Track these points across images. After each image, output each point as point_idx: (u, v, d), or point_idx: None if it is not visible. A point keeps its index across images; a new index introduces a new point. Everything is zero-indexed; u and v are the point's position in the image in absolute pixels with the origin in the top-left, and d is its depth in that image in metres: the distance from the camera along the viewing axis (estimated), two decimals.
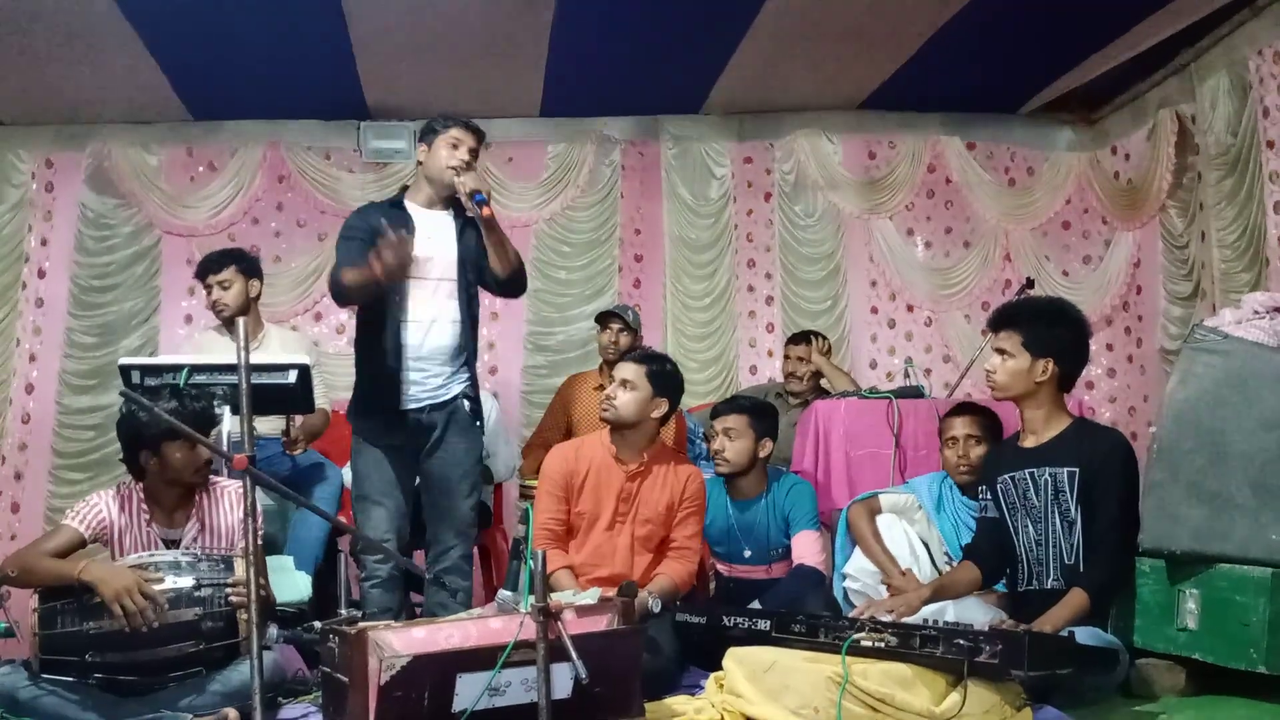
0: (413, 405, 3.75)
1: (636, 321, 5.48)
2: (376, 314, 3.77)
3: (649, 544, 3.83)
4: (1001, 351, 3.49)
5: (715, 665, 3.24)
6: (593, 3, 5.06)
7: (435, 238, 3.81)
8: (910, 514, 4.13)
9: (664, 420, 3.88)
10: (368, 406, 3.80)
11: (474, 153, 3.85)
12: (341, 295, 3.79)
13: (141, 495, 3.35)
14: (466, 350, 3.81)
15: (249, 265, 4.79)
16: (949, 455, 4.10)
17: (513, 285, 3.87)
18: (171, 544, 3.32)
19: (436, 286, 3.78)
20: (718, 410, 4.42)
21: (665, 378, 3.84)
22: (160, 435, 3.23)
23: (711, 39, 5.53)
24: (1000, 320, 3.56)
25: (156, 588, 3.04)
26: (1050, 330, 3.48)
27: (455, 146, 3.80)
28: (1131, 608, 3.37)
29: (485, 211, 3.66)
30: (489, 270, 3.80)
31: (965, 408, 4.21)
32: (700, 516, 3.92)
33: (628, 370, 3.82)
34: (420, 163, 3.92)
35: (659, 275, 6.58)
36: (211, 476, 3.49)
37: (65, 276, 6.21)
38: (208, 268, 4.74)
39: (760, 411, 4.37)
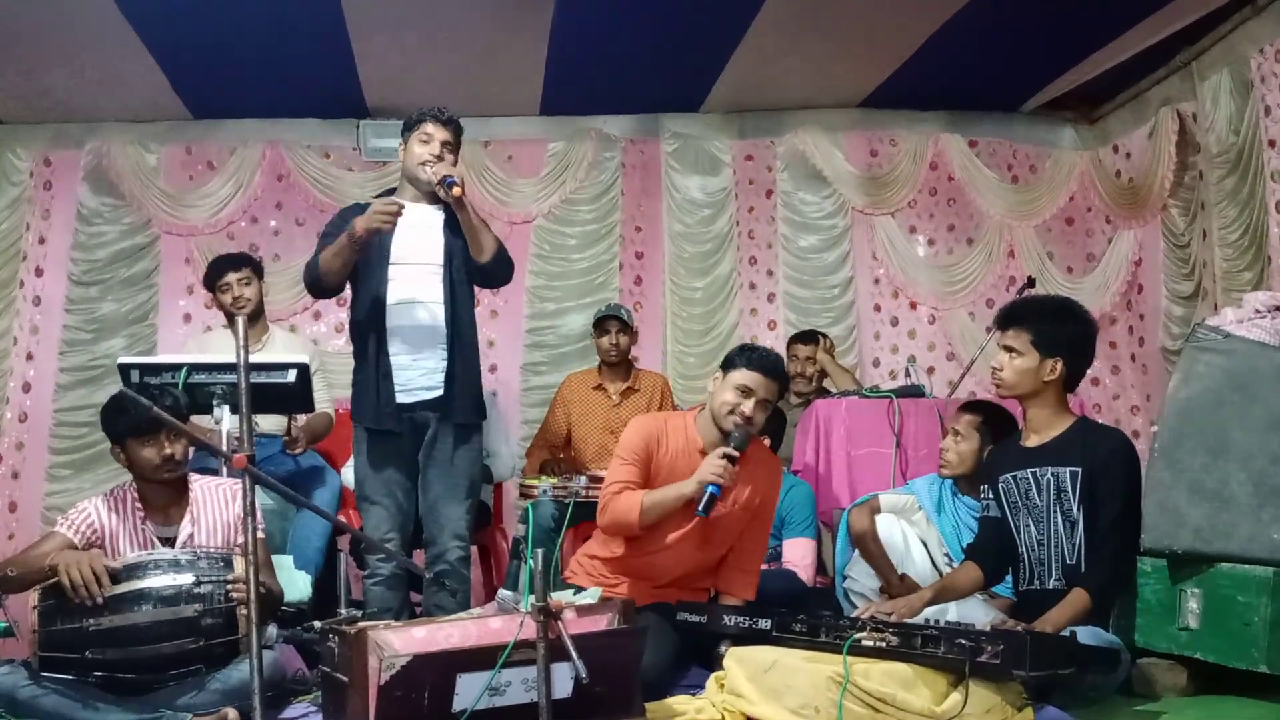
0: (405, 398, 3.74)
1: (631, 319, 5.48)
2: (363, 302, 3.80)
3: (708, 544, 3.65)
4: (1009, 349, 3.47)
5: (715, 664, 3.24)
6: (593, 0, 5.05)
7: (420, 228, 3.81)
8: (910, 514, 4.13)
9: None
10: (362, 395, 3.80)
11: (448, 145, 3.82)
12: (317, 282, 3.79)
13: (136, 496, 3.37)
14: (454, 335, 3.77)
15: (260, 267, 4.86)
16: (941, 447, 4.11)
17: (494, 273, 3.85)
18: (167, 541, 3.33)
19: (419, 270, 3.78)
20: None
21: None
22: (123, 433, 3.29)
23: (712, 37, 5.52)
24: (1008, 318, 3.54)
25: (154, 583, 3.05)
26: (1059, 329, 3.46)
27: (426, 141, 3.79)
28: (1133, 607, 3.36)
29: (456, 191, 3.64)
30: (471, 259, 3.79)
31: (971, 405, 4.17)
32: (771, 518, 3.82)
33: (770, 390, 3.53)
34: (402, 162, 3.92)
35: (659, 272, 6.57)
36: (207, 476, 3.52)
37: (63, 275, 6.20)
38: (227, 266, 4.76)
39: None
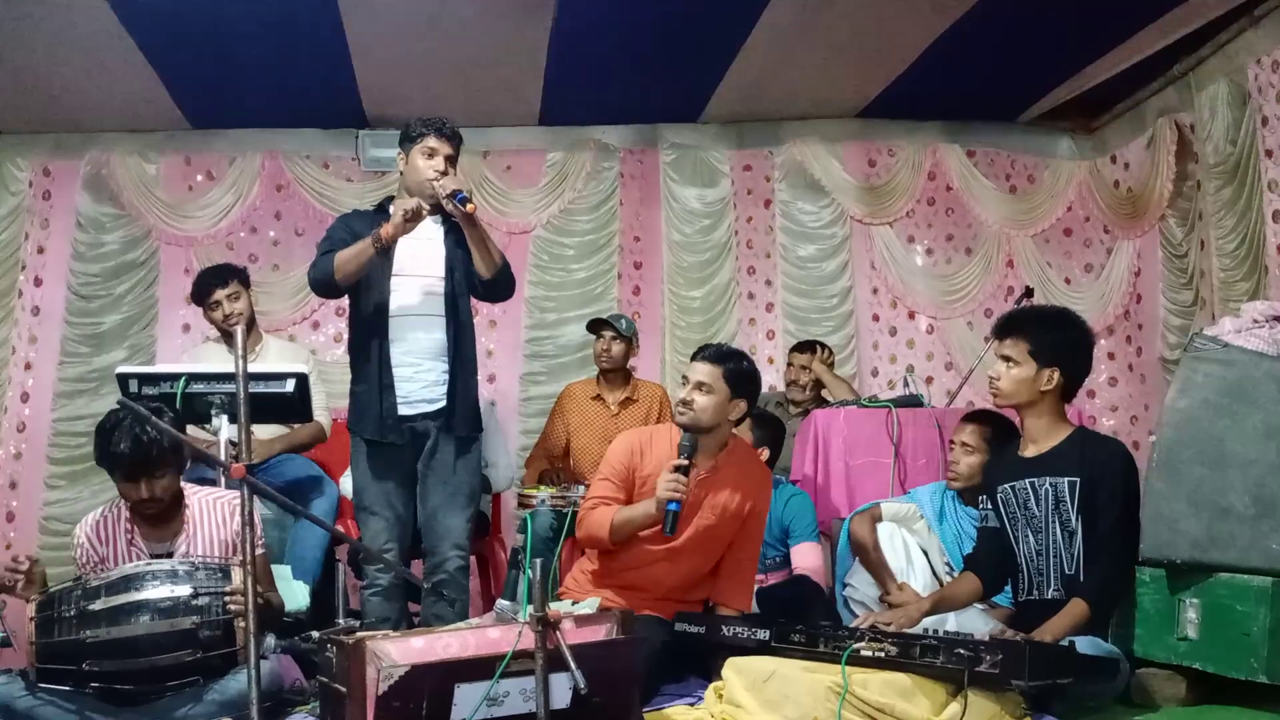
0: (406, 409, 3.74)
1: (631, 329, 5.46)
2: (364, 314, 3.80)
3: (701, 553, 3.67)
4: (1006, 359, 3.47)
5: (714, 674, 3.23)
6: (592, 11, 5.06)
7: (420, 241, 3.81)
8: (911, 523, 4.13)
9: (740, 421, 3.73)
10: (363, 407, 3.80)
11: (451, 159, 3.83)
12: (329, 284, 3.77)
13: (129, 513, 3.34)
14: (455, 347, 3.78)
15: (245, 277, 4.81)
16: (949, 459, 4.11)
17: (498, 287, 3.85)
18: (160, 558, 3.29)
19: (420, 284, 3.79)
20: None
21: (744, 376, 3.63)
22: (106, 467, 3.28)
23: (710, 48, 5.54)
24: (1006, 327, 3.53)
25: (152, 594, 3.04)
26: (1057, 339, 3.47)
27: (431, 155, 3.80)
28: (1132, 617, 3.36)
29: (470, 208, 3.66)
30: (474, 273, 3.79)
31: (975, 416, 4.17)
32: (762, 527, 3.80)
33: (703, 372, 3.58)
34: (401, 172, 3.91)
35: (658, 282, 6.58)
36: (205, 488, 3.50)
37: (62, 284, 6.20)
38: (213, 284, 4.71)
39: (764, 421, 4.39)
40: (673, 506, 3.41)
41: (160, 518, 3.33)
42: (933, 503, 4.13)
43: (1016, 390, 3.46)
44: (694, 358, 3.68)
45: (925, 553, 4.05)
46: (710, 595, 3.78)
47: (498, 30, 5.21)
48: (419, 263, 3.80)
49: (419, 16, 5.06)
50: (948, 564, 4.03)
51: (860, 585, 4.03)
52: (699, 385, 3.57)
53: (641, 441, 3.72)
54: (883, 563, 3.98)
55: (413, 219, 3.68)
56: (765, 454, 4.35)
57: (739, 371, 3.62)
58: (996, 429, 4.02)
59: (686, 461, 3.46)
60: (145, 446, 3.18)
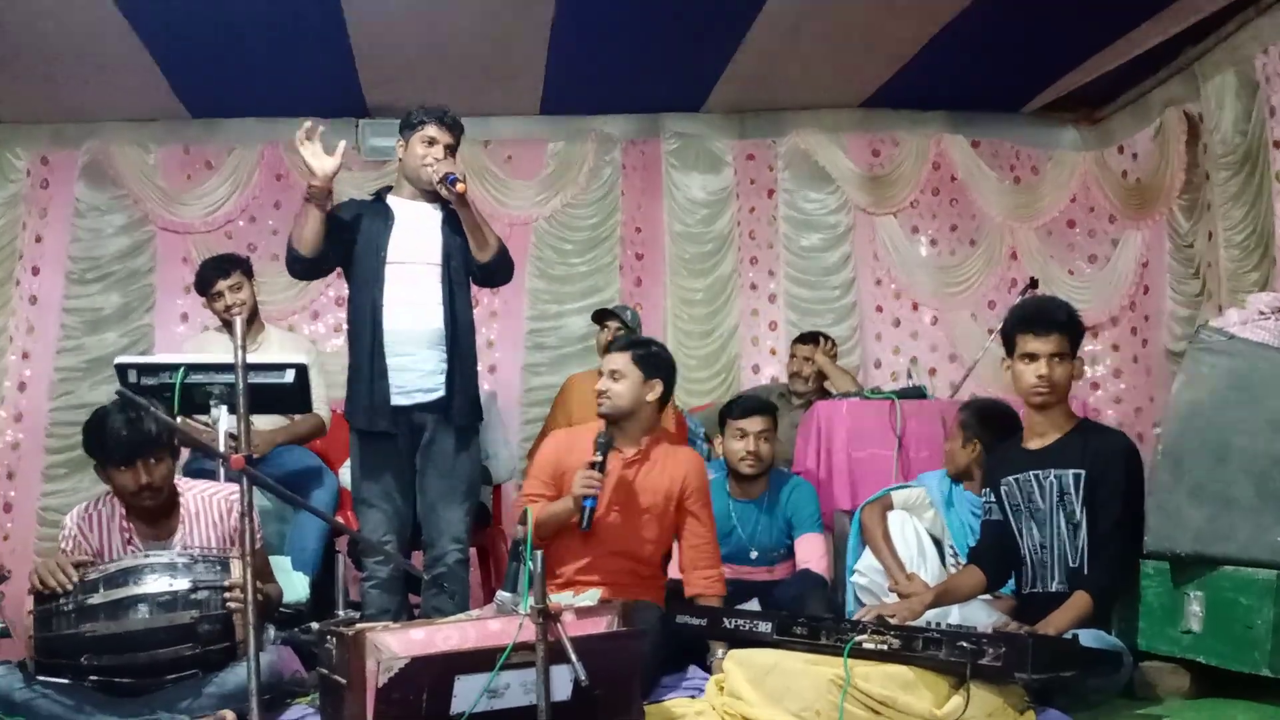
0: (402, 399, 3.72)
1: (635, 321, 5.44)
2: (359, 302, 3.78)
3: (648, 540, 3.72)
4: (1057, 355, 3.37)
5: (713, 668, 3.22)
6: (593, 0, 5.04)
7: (418, 227, 3.79)
8: (921, 510, 4.11)
9: (663, 403, 3.79)
10: (356, 396, 3.78)
11: (451, 148, 3.81)
12: (292, 256, 3.77)
13: (123, 511, 3.29)
14: (452, 337, 3.75)
15: (248, 267, 4.81)
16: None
17: (495, 271, 3.84)
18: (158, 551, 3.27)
19: (417, 270, 3.76)
20: (740, 411, 4.37)
21: (652, 359, 3.74)
22: (99, 459, 3.22)
23: (713, 37, 5.51)
24: (1049, 323, 3.40)
25: (151, 588, 3.02)
26: (1080, 331, 3.48)
27: (430, 143, 3.78)
28: (1135, 610, 3.35)
29: (460, 188, 3.64)
30: (472, 259, 3.77)
31: (964, 406, 4.19)
32: (709, 508, 3.81)
33: (615, 361, 3.73)
34: (400, 159, 3.90)
35: (660, 273, 6.56)
36: (201, 482, 3.47)
37: (59, 274, 6.20)
38: (215, 274, 4.70)
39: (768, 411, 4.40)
40: (588, 503, 3.51)
41: (156, 513, 3.29)
42: (941, 488, 4.12)
43: (1067, 387, 3.44)
44: (605, 352, 3.81)
45: (936, 542, 4.04)
46: (686, 590, 3.78)
47: (499, 19, 5.19)
48: (415, 249, 3.77)
49: (419, 4, 5.04)
50: (952, 549, 4.02)
51: (869, 574, 4.01)
52: (612, 374, 3.70)
53: (567, 442, 3.83)
54: (892, 553, 3.96)
55: (313, 148, 3.66)
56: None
57: (648, 355, 3.74)
58: (974, 414, 4.04)
59: (600, 458, 3.56)
60: (142, 429, 3.14)
